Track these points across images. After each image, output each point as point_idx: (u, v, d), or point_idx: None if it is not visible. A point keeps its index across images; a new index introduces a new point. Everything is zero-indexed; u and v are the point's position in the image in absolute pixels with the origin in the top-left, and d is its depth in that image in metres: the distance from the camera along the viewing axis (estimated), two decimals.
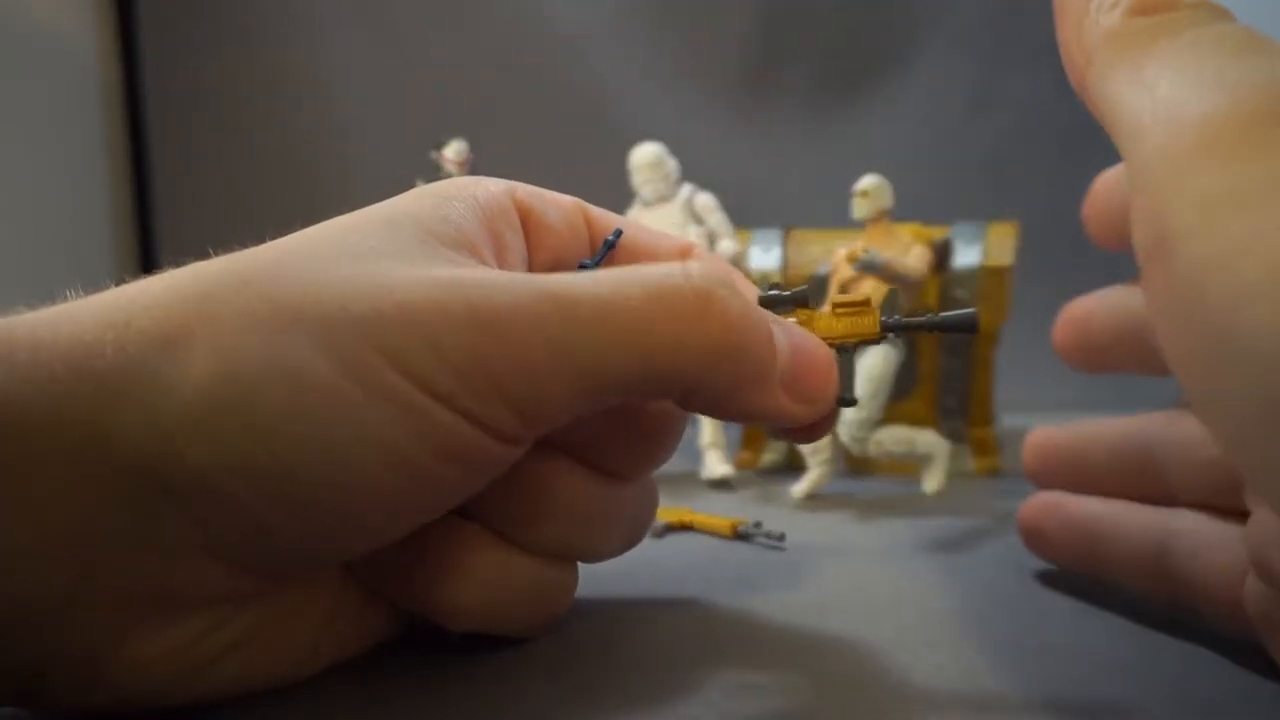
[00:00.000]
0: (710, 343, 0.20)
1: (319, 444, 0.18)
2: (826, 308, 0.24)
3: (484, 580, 0.22)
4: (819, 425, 0.23)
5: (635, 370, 0.20)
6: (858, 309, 0.24)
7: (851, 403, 0.23)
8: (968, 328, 0.24)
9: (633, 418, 0.24)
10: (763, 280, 0.25)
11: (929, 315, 0.24)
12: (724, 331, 0.20)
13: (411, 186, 0.25)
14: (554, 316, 0.19)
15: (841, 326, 0.24)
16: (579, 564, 0.25)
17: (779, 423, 0.22)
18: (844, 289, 0.41)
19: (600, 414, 0.22)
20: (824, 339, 0.23)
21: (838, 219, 0.46)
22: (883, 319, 0.24)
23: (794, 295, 0.24)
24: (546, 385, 0.19)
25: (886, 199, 0.42)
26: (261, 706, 0.22)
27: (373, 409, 0.18)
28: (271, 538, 0.19)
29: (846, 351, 0.23)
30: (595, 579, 0.28)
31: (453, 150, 0.46)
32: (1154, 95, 0.18)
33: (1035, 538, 0.29)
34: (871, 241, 0.42)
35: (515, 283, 0.20)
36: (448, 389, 0.19)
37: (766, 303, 0.24)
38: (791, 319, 0.24)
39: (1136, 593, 0.26)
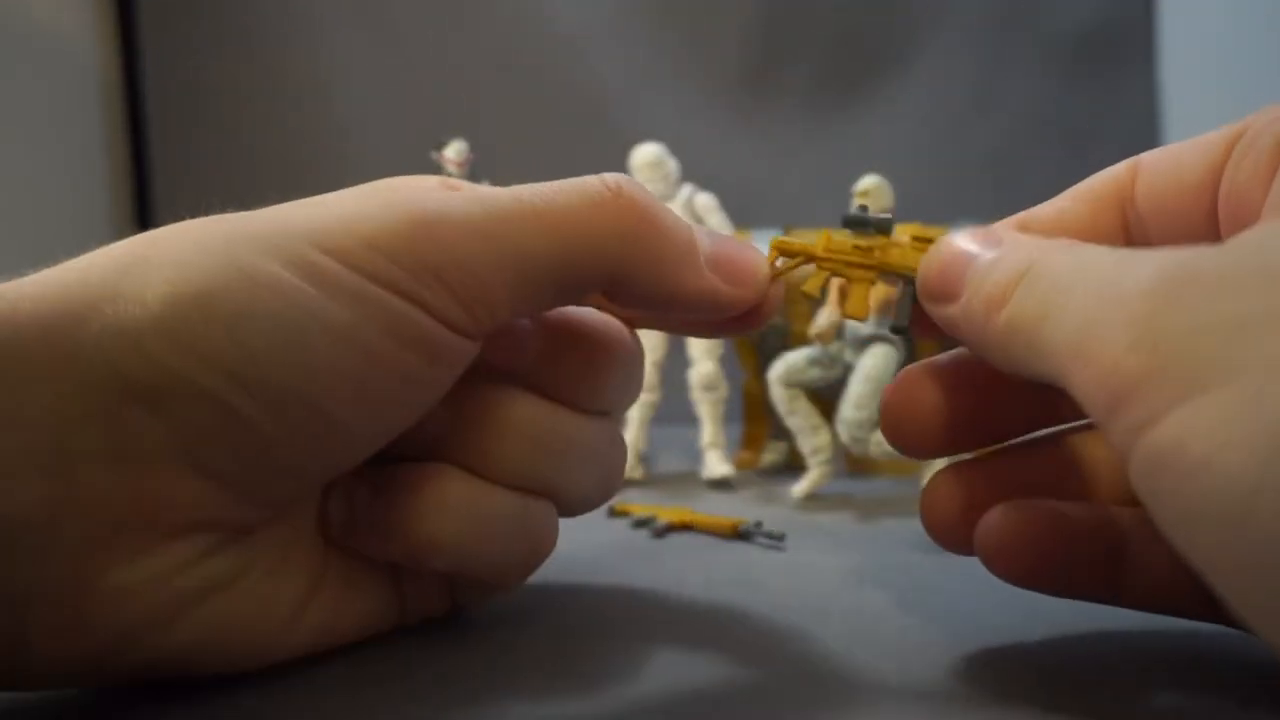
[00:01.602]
0: (625, 225, 0.22)
1: (277, 332, 0.20)
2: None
3: (459, 511, 0.23)
4: (755, 314, 0.24)
5: (560, 256, 0.22)
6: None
7: (904, 330, 0.24)
8: None
9: (577, 339, 0.25)
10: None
11: None
12: (638, 213, 0.22)
13: None
14: (480, 214, 0.21)
15: (916, 259, 0.24)
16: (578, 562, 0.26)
17: (714, 306, 0.24)
18: (842, 288, 0.41)
19: (547, 338, 0.25)
20: (900, 267, 0.24)
21: (838, 219, 0.45)
22: None
23: (879, 221, 0.25)
24: (483, 275, 0.21)
25: (887, 199, 0.42)
26: (258, 692, 0.22)
27: (324, 298, 0.20)
28: (247, 439, 0.20)
29: (913, 284, 0.24)
30: (595, 577, 0.28)
31: (453, 150, 0.46)
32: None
33: (1017, 557, 0.23)
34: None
35: (445, 194, 0.22)
36: (394, 279, 0.20)
37: (851, 222, 0.24)
38: (870, 243, 0.24)
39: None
